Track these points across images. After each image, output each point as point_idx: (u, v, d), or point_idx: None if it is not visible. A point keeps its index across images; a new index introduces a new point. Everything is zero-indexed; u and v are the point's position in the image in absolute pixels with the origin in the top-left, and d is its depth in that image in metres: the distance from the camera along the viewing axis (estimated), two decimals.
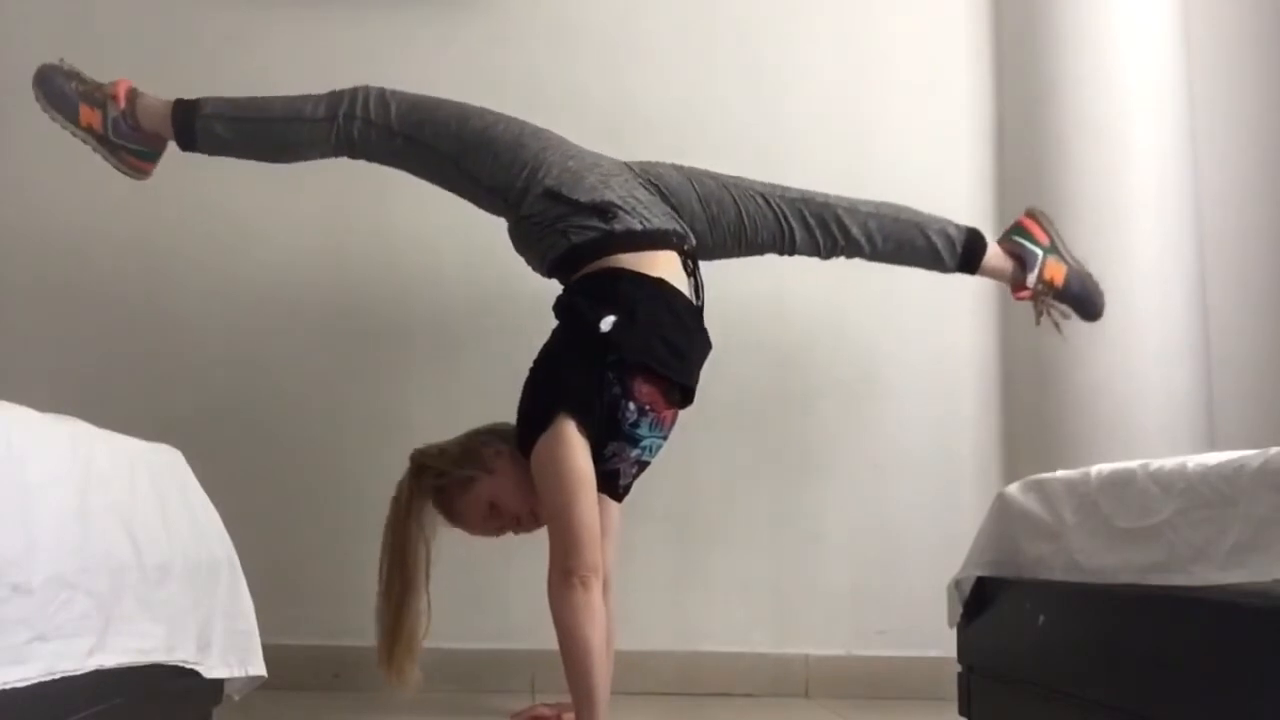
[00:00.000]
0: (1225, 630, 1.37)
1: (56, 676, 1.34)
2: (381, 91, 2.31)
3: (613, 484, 2.16)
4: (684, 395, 2.19)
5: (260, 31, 3.00)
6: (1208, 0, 3.09)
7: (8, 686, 1.24)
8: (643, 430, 2.10)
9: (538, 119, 3.00)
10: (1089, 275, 2.49)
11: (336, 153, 2.33)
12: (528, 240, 2.28)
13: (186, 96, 2.38)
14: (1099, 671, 1.66)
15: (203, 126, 2.35)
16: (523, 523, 2.19)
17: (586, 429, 2.04)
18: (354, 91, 2.30)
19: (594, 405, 2.05)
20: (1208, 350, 2.86)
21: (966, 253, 2.45)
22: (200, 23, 3.00)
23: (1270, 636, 1.28)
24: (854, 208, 2.40)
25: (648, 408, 2.09)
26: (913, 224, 2.43)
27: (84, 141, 2.39)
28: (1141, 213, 2.82)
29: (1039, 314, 2.52)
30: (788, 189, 2.39)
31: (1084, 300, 2.48)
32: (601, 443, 2.07)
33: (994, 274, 2.52)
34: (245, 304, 2.91)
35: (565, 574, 1.99)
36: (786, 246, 2.40)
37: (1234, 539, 1.38)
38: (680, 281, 2.19)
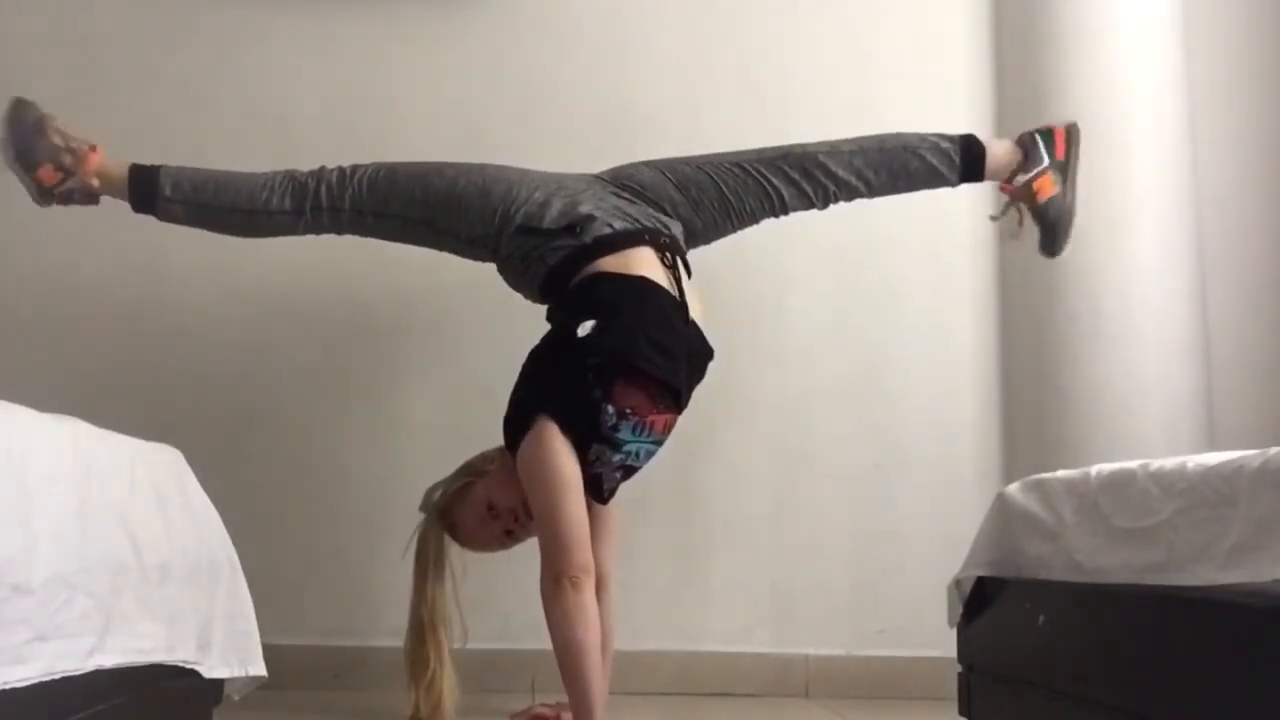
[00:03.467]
0: (1225, 630, 1.37)
1: (56, 676, 1.34)
2: (341, 174, 2.33)
3: (596, 487, 2.15)
4: (675, 398, 2.16)
5: (260, 31, 3.00)
6: (1208, 0, 3.09)
7: (8, 686, 1.24)
8: (624, 434, 2.08)
9: (536, 118, 3.03)
10: (1070, 215, 2.41)
11: (306, 233, 2.36)
12: (514, 276, 2.31)
13: (141, 164, 2.40)
14: (1099, 671, 1.66)
15: (163, 207, 2.37)
16: (519, 519, 2.20)
17: (568, 431, 2.04)
18: (315, 178, 2.32)
19: (575, 407, 2.05)
20: (1208, 350, 2.86)
21: (966, 160, 2.37)
22: (200, 23, 3.00)
23: (1270, 636, 1.28)
24: (835, 149, 2.35)
25: (628, 411, 2.06)
26: (900, 148, 2.36)
27: (18, 179, 2.36)
28: (1141, 213, 2.82)
29: (1004, 210, 2.46)
30: (764, 150, 2.35)
31: (1052, 231, 2.41)
32: (585, 445, 2.07)
33: (998, 172, 2.42)
34: (245, 304, 2.91)
35: (555, 576, 2.00)
36: (778, 208, 2.36)
37: (1234, 539, 1.38)
38: (660, 276, 2.17)
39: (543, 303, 2.29)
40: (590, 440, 2.07)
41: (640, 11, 3.05)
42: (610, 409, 2.04)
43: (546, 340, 2.18)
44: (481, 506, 2.21)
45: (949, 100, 3.10)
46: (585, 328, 2.06)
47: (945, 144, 2.37)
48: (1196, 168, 2.93)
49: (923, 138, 2.37)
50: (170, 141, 2.96)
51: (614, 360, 2.05)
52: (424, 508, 2.27)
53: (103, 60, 2.99)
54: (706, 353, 2.24)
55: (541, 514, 2.04)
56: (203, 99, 2.98)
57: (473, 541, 2.27)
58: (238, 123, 2.97)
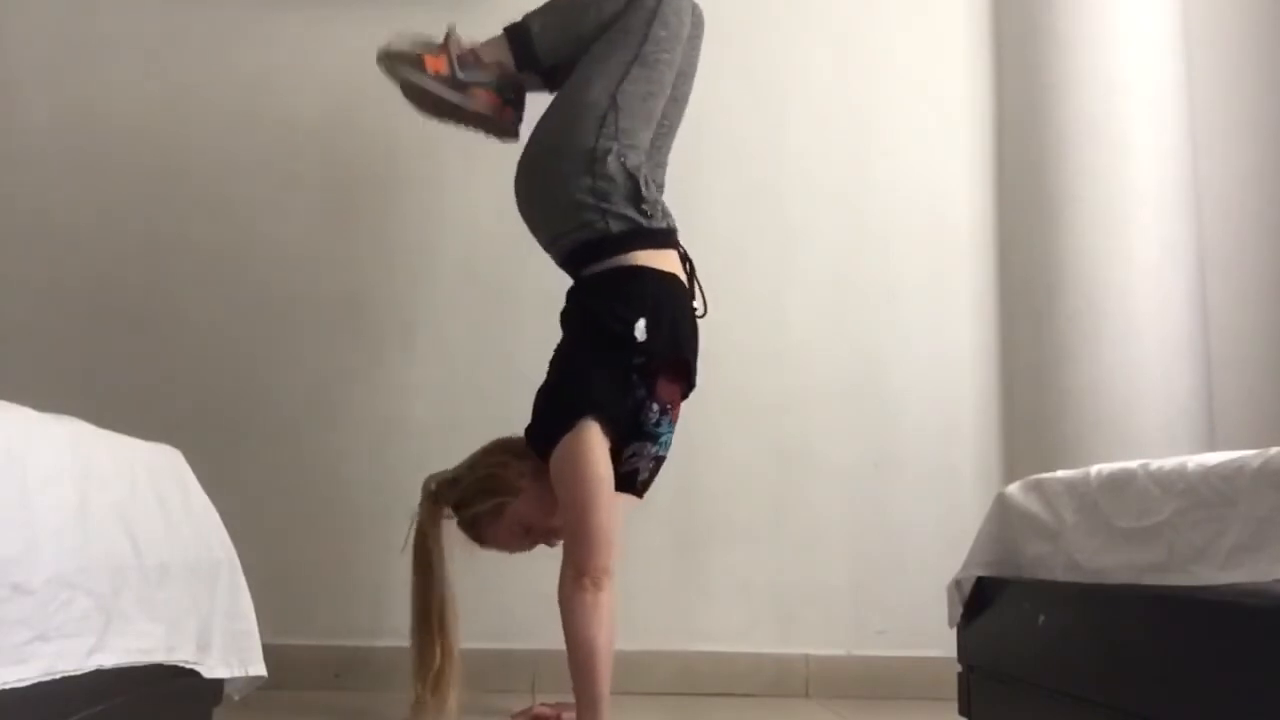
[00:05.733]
0: (1225, 630, 1.37)
1: (56, 676, 1.34)
2: None
3: (631, 481, 2.19)
4: (691, 386, 2.27)
5: (260, 31, 3.00)
6: (1208, 0, 3.10)
7: (8, 686, 1.24)
8: (663, 428, 2.16)
9: (536, 118, 3.02)
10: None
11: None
12: (561, 198, 2.20)
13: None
14: (1099, 671, 1.66)
15: (537, 41, 2.35)
16: (556, 534, 2.20)
17: (610, 431, 2.05)
18: None
19: (620, 407, 2.07)
20: (1208, 350, 2.86)
21: None
22: (200, 23, 3.00)
23: (1270, 636, 1.28)
24: None
25: (669, 405, 2.16)
26: None
27: (436, 93, 2.35)
28: (1141, 213, 2.82)
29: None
30: None
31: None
32: (624, 444, 2.10)
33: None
34: (245, 304, 2.91)
35: (578, 574, 2.01)
36: None
37: (1234, 539, 1.38)
38: (682, 277, 2.24)
39: (562, 259, 2.26)
40: (630, 439, 2.11)
41: None
42: (655, 406, 2.12)
43: (581, 335, 2.16)
44: (518, 528, 2.20)
45: (949, 101, 3.10)
46: (641, 329, 2.08)
47: None
48: (1196, 167, 2.93)
49: None
50: (170, 141, 2.97)
51: (661, 361, 2.10)
52: (429, 491, 2.21)
53: (103, 60, 2.99)
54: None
55: (574, 513, 2.03)
56: (203, 99, 2.98)
57: (496, 548, 2.26)
58: (238, 123, 2.97)
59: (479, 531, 2.22)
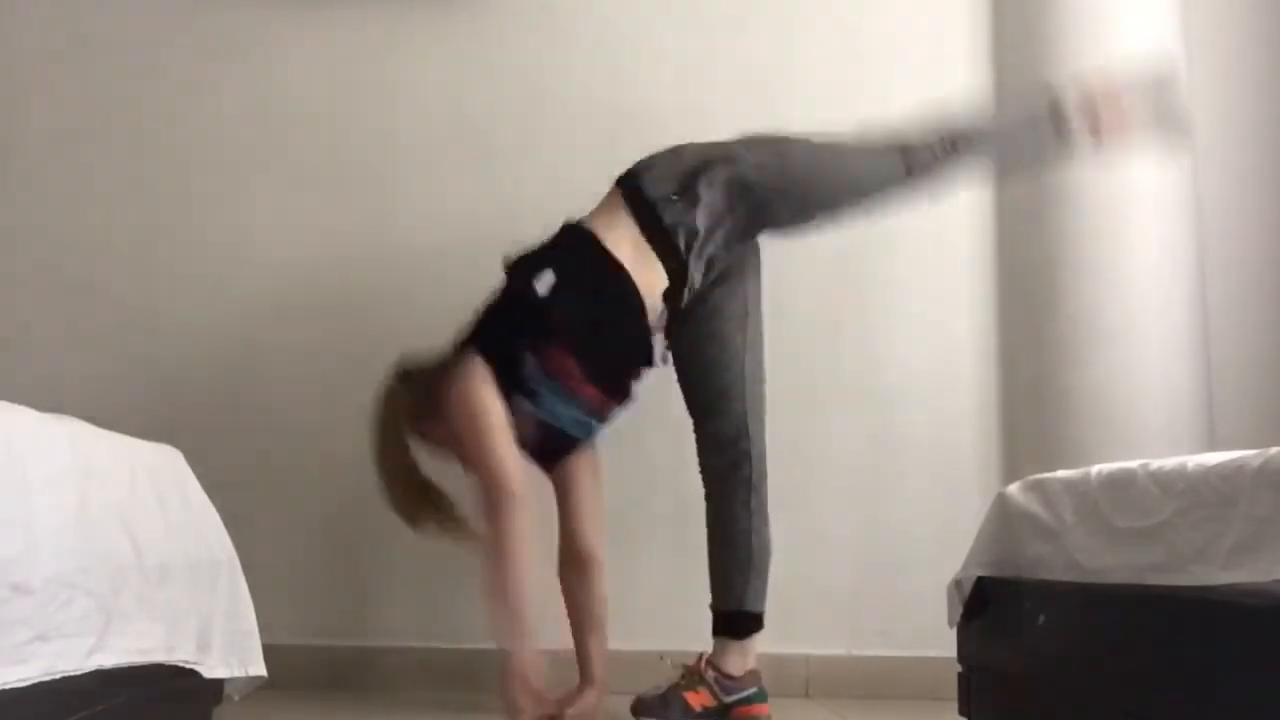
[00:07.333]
0: (1225, 630, 1.37)
1: (56, 676, 1.35)
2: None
3: (537, 451, 2.26)
4: (621, 389, 2.27)
5: (260, 31, 3.00)
6: (1208, 0, 3.09)
7: (8, 686, 1.24)
8: (544, 392, 2.18)
9: (536, 118, 3.02)
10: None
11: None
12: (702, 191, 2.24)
13: None
14: (1099, 671, 1.66)
15: None
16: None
17: (493, 371, 2.15)
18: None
19: (502, 353, 2.17)
20: (1208, 350, 2.86)
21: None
22: (200, 23, 3.00)
23: (1270, 636, 1.28)
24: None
25: (556, 373, 2.17)
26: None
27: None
28: (1141, 213, 2.82)
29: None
30: None
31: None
32: (507, 393, 2.16)
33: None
34: (245, 304, 2.91)
35: (489, 498, 2.11)
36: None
37: (1234, 539, 1.38)
38: (650, 284, 2.22)
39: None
40: (512, 388, 2.17)
41: (640, 11, 3.05)
42: (531, 359, 2.15)
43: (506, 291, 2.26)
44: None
45: (948, 101, 3.09)
46: (546, 285, 2.15)
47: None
48: (1196, 168, 2.93)
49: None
50: (170, 140, 2.98)
51: (562, 335, 2.16)
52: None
53: (103, 59, 2.99)
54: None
55: (470, 445, 2.15)
56: (202, 99, 2.98)
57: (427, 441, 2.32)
58: (238, 123, 2.97)
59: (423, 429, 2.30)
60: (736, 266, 2.33)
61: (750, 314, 2.35)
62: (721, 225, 2.22)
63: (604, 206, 2.27)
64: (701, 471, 2.35)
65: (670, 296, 2.24)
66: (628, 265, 2.19)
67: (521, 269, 2.22)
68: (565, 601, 2.42)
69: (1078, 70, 2.44)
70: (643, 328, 2.24)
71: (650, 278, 2.21)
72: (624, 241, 2.20)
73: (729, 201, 2.21)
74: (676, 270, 2.22)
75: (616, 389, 2.26)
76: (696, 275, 2.25)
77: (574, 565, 2.39)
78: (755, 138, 2.30)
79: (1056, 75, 2.79)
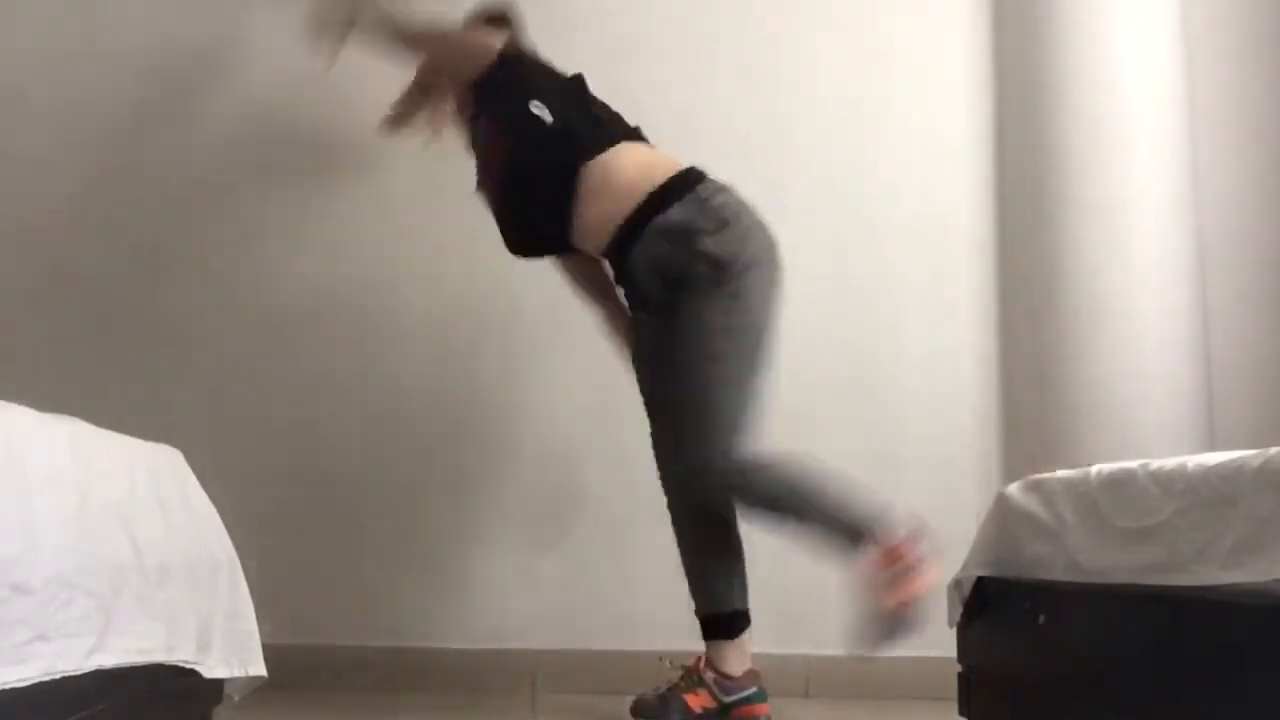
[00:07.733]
0: (1225, 630, 1.37)
1: (56, 676, 1.34)
2: None
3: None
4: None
5: (260, 31, 3.00)
6: (1208, 0, 3.09)
7: (8, 686, 1.24)
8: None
9: None
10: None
11: None
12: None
13: None
14: (1099, 671, 1.66)
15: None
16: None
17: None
18: None
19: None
20: (1208, 350, 2.86)
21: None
22: (200, 23, 3.00)
23: (1270, 636, 1.28)
24: None
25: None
26: None
27: None
28: (1141, 213, 2.82)
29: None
30: None
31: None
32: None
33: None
34: (245, 304, 2.91)
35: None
36: None
37: (1234, 539, 1.38)
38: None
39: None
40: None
41: (639, 11, 3.05)
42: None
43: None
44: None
45: (949, 101, 3.10)
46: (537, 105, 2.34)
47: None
48: (1196, 168, 2.93)
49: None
50: (171, 142, 2.98)
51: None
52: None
53: (103, 59, 2.99)
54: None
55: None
56: (202, 100, 2.98)
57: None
58: (238, 123, 2.97)
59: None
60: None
61: (702, 335, 2.29)
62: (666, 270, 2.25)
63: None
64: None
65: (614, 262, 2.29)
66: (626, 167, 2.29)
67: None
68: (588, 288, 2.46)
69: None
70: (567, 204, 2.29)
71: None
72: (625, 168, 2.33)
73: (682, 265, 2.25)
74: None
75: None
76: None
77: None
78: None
79: (1056, 78, 2.80)
